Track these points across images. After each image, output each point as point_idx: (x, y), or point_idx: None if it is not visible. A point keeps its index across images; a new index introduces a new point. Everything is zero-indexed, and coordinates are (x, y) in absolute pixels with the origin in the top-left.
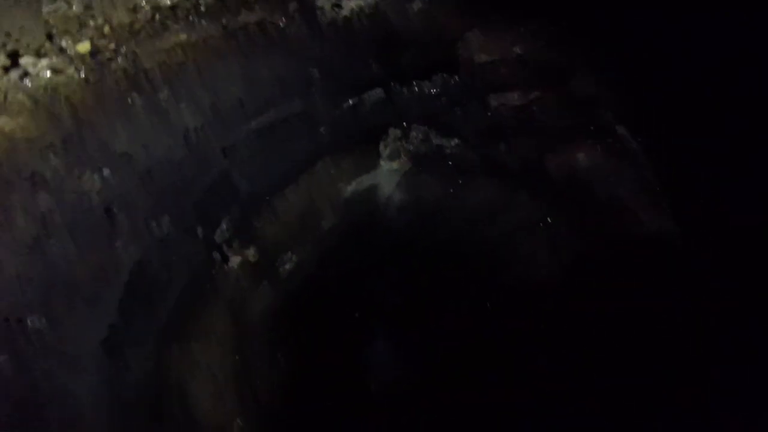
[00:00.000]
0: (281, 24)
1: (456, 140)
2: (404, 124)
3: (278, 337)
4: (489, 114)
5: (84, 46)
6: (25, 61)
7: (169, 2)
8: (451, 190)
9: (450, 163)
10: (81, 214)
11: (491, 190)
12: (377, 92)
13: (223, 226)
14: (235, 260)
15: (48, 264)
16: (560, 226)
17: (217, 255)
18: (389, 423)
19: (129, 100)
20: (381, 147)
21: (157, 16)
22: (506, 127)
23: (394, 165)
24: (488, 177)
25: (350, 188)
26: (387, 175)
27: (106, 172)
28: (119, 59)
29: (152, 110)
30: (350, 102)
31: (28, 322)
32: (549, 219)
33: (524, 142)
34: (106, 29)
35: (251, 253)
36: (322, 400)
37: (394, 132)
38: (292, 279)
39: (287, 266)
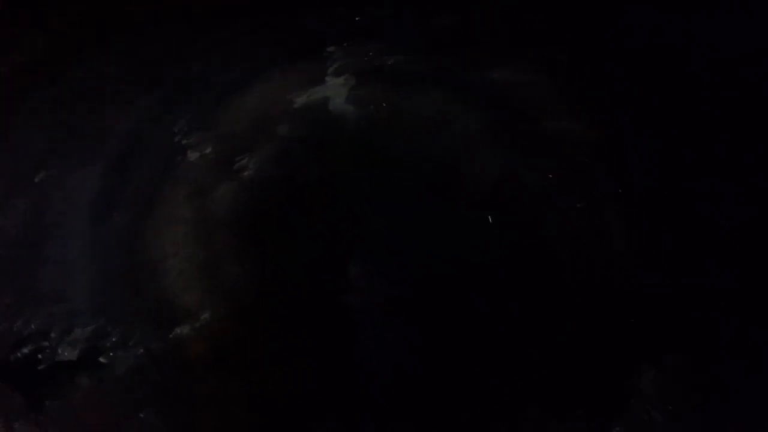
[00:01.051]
0: None
1: (397, 56)
2: (344, 43)
3: (245, 238)
4: (426, 30)
5: None
6: None
7: None
8: (398, 103)
9: (392, 77)
10: None
11: (436, 101)
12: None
13: (182, 120)
14: (193, 154)
15: None
16: (498, 136)
17: (178, 145)
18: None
19: None
20: (327, 63)
21: None
22: (443, 43)
23: (340, 80)
24: (431, 89)
25: (301, 99)
26: (335, 88)
27: None
28: None
29: None
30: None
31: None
32: (487, 129)
33: (461, 56)
34: None
35: (208, 148)
36: (288, 308)
37: (335, 49)
38: (253, 180)
39: (247, 165)
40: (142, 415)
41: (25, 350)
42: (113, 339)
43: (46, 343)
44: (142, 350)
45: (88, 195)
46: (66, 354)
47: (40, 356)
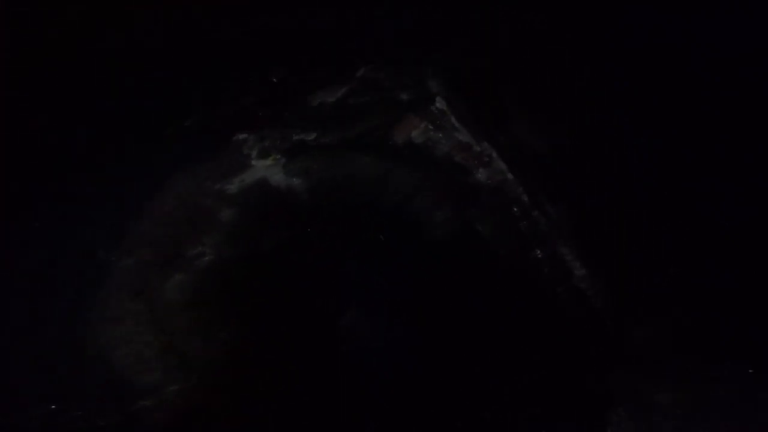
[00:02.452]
0: None
1: (311, 132)
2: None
3: (205, 316)
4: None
5: None
6: None
7: None
8: (334, 169)
9: (318, 150)
10: None
11: (368, 163)
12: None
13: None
14: (127, 261)
15: None
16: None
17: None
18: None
19: None
20: (245, 150)
21: None
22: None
23: (268, 162)
24: (359, 154)
25: (233, 186)
26: (267, 169)
27: None
28: None
29: None
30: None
31: None
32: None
33: (367, 121)
34: None
35: (144, 251)
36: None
37: (247, 135)
38: (210, 264)
39: (203, 252)
40: None
41: None
42: (74, 417)
43: None
44: (103, 424)
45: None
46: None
47: None
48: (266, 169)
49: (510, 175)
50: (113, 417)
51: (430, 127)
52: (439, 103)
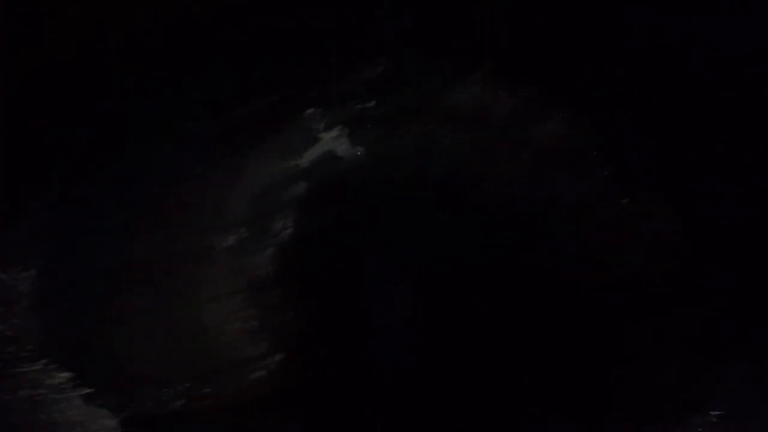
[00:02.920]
0: None
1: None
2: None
3: (293, 291)
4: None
5: None
6: None
7: None
8: (393, 138)
9: (377, 119)
10: None
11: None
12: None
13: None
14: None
15: None
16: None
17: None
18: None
19: None
20: (312, 125)
21: None
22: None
23: (334, 133)
24: (414, 120)
25: (305, 161)
26: (332, 142)
27: None
28: None
29: None
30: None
31: None
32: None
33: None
34: None
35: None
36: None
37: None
38: (292, 237)
39: (285, 225)
40: None
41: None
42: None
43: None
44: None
45: None
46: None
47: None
48: (332, 141)
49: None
50: (233, 388)
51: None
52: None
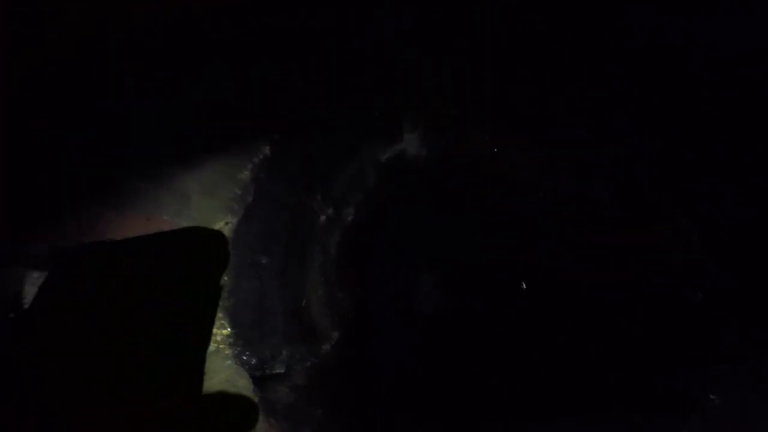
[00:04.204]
0: None
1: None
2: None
3: (352, 273)
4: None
5: None
6: None
7: None
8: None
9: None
10: None
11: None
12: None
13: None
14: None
15: None
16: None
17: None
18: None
19: None
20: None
21: None
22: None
23: (414, 135)
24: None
25: (384, 155)
26: (409, 141)
27: None
28: None
29: None
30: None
31: None
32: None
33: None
34: None
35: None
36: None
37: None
38: (354, 223)
39: (349, 213)
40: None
41: None
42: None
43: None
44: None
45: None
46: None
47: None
48: (409, 141)
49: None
50: (308, 361)
51: None
52: None
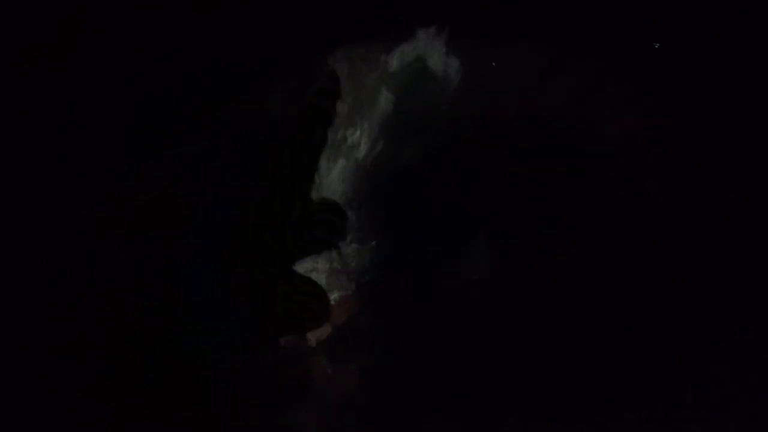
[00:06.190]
0: None
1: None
2: None
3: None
4: None
5: None
6: None
7: None
8: (502, 55)
9: (488, 24)
10: None
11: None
12: None
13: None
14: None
15: None
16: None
17: None
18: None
19: None
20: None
21: None
22: None
23: (431, 32)
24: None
25: (395, 60)
26: (427, 43)
27: None
28: None
29: None
30: None
31: None
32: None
33: None
34: None
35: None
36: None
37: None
38: (365, 159)
39: (359, 142)
40: None
41: None
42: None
43: None
44: None
45: None
46: None
47: None
48: (426, 43)
49: None
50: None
51: None
52: None
